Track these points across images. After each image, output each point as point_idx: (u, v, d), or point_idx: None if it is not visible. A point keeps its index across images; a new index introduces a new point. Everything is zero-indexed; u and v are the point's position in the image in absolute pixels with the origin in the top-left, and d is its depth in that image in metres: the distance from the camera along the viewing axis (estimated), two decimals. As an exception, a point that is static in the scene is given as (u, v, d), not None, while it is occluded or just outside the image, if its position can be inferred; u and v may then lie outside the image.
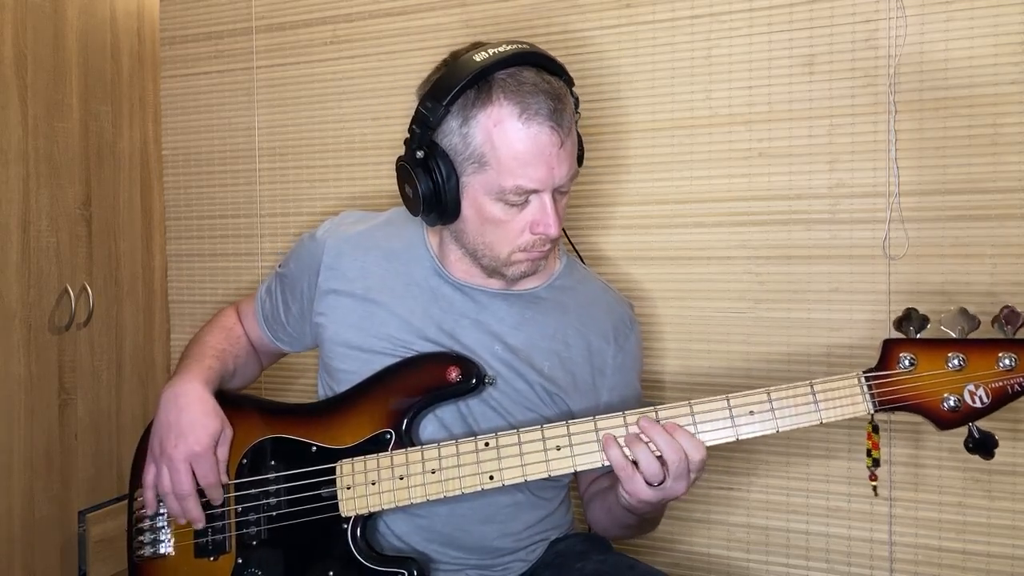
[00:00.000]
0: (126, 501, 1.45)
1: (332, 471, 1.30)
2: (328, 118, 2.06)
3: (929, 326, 1.14)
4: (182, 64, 2.22)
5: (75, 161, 1.98)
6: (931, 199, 1.58)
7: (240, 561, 1.35)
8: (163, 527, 1.39)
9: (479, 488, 1.23)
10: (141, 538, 1.40)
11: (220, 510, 1.36)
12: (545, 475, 1.22)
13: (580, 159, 1.33)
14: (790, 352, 1.68)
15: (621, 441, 1.18)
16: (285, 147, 2.11)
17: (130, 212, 2.15)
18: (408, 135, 1.28)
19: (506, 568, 1.40)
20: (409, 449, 1.27)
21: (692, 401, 1.19)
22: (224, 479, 1.35)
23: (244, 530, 1.35)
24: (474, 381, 1.29)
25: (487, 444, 1.24)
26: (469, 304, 1.37)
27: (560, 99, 1.22)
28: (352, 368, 1.37)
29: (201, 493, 1.34)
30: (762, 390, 1.18)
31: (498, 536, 1.37)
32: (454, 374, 1.29)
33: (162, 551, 1.39)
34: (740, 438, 1.18)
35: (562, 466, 1.22)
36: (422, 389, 1.30)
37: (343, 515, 1.29)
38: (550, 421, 1.24)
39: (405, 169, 1.29)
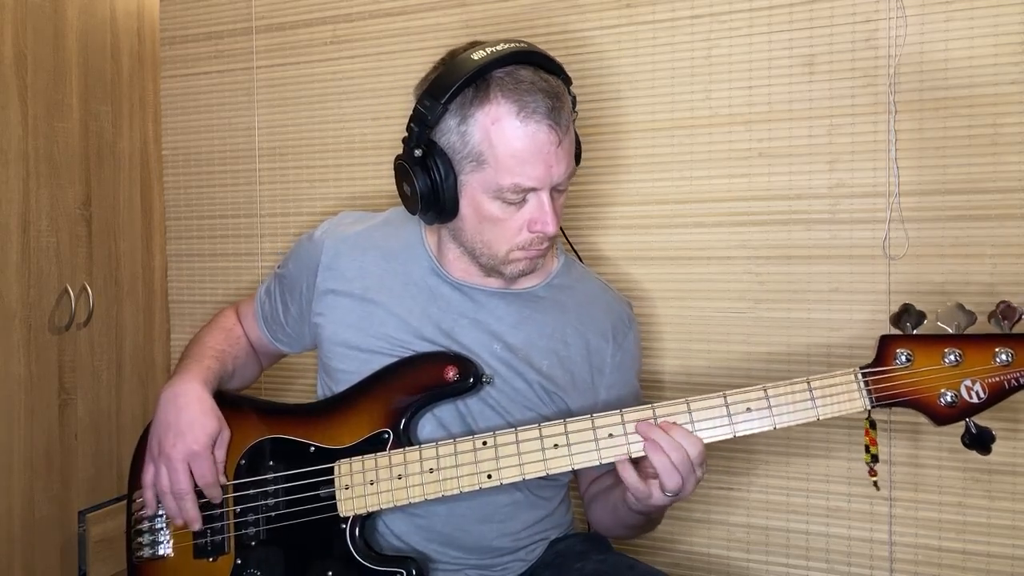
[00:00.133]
0: (126, 501, 1.45)
1: (330, 471, 1.30)
2: (328, 118, 2.06)
3: (926, 322, 1.14)
4: (182, 64, 2.22)
5: (75, 161, 1.99)
6: (931, 199, 1.57)
7: (239, 562, 1.35)
8: (162, 528, 1.39)
9: (477, 487, 1.23)
10: (140, 539, 1.40)
11: (219, 511, 1.36)
12: (543, 473, 1.22)
13: (578, 158, 1.34)
14: (790, 352, 1.68)
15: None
16: (285, 147, 2.11)
17: (130, 212, 2.15)
18: (406, 134, 1.28)
19: (505, 568, 1.40)
20: (407, 449, 1.27)
21: (689, 399, 1.19)
22: (222, 479, 1.35)
23: (243, 531, 1.35)
24: (472, 380, 1.29)
25: (485, 443, 1.24)
26: (467, 303, 1.37)
27: (558, 97, 1.22)
28: (351, 368, 1.37)
29: (200, 494, 1.34)
30: (759, 387, 1.18)
31: (497, 536, 1.37)
32: (452, 373, 1.29)
33: (161, 552, 1.39)
34: (737, 435, 1.18)
35: (560, 465, 1.22)
36: (420, 388, 1.30)
37: (341, 515, 1.29)
38: (549, 420, 1.24)
39: (403, 168, 1.29)
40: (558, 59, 1.29)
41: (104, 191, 2.07)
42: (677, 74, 1.74)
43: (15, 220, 1.84)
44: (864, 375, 1.15)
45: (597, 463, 1.21)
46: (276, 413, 1.40)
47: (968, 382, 1.12)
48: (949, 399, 1.12)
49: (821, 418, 1.16)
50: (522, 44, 1.24)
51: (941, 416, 1.14)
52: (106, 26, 2.08)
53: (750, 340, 1.71)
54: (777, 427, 1.17)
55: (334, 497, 1.29)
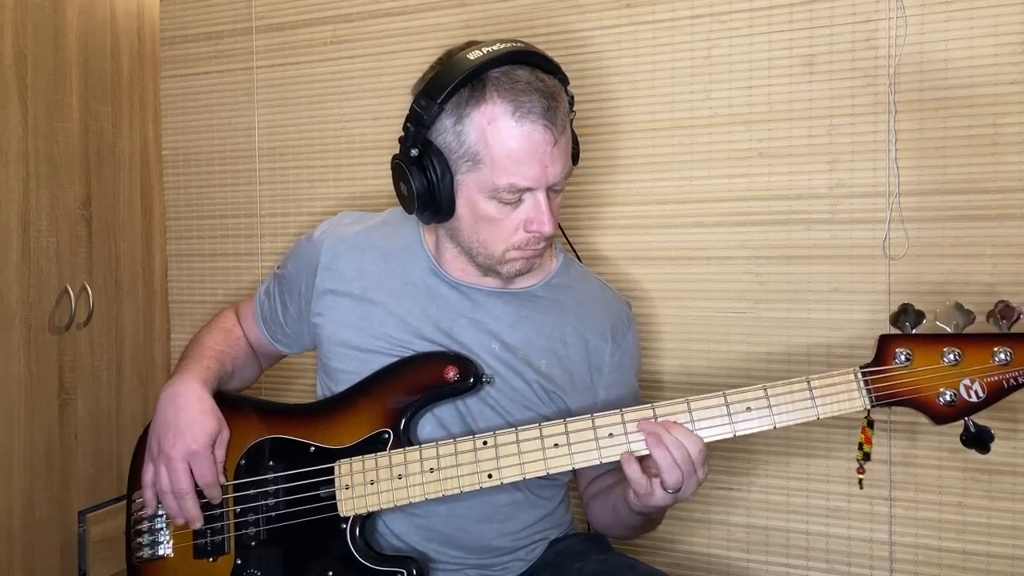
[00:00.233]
0: (125, 502, 1.45)
1: (330, 471, 1.30)
2: (328, 118, 2.06)
3: (925, 321, 1.14)
4: (182, 64, 2.22)
5: (75, 161, 1.99)
6: (931, 199, 1.57)
7: (239, 562, 1.35)
8: (162, 528, 1.39)
9: (478, 487, 1.23)
10: (140, 539, 1.40)
11: (219, 511, 1.36)
12: (543, 473, 1.22)
13: (576, 157, 1.34)
14: (790, 352, 1.68)
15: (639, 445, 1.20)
16: (285, 147, 2.11)
17: (130, 212, 2.15)
18: (403, 133, 1.28)
19: (505, 568, 1.40)
20: (407, 448, 1.27)
21: (689, 398, 1.19)
22: (222, 479, 1.35)
23: (243, 531, 1.35)
24: (472, 380, 1.29)
25: (485, 443, 1.24)
26: (466, 303, 1.37)
27: (554, 97, 1.22)
28: (350, 368, 1.37)
29: (200, 493, 1.34)
30: (759, 386, 1.18)
31: (497, 535, 1.37)
32: (452, 373, 1.29)
33: (161, 552, 1.39)
34: (737, 434, 1.18)
35: (560, 464, 1.22)
36: (420, 388, 1.30)
37: (342, 515, 1.29)
38: (548, 419, 1.24)
39: (400, 167, 1.29)
40: (558, 59, 1.29)
41: (104, 191, 2.07)
42: (677, 74, 1.74)
43: (15, 220, 1.84)
44: (863, 374, 1.16)
45: (597, 462, 1.21)
46: (276, 413, 1.40)
47: (967, 381, 1.12)
48: (948, 398, 1.13)
49: (821, 417, 1.16)
50: (519, 44, 1.24)
51: (940, 415, 1.14)
52: (106, 26, 2.08)
53: (750, 340, 1.71)
54: (777, 426, 1.17)
55: (334, 497, 1.29)
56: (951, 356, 1.12)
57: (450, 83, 1.21)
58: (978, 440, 1.13)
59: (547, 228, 1.25)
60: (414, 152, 1.26)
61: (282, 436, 1.36)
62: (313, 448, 1.33)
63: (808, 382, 1.17)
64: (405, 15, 1.96)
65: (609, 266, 1.80)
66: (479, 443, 1.24)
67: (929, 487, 1.61)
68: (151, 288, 2.22)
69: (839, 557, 1.68)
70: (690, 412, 1.19)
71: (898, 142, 1.59)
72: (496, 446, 1.23)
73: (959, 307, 1.13)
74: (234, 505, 1.36)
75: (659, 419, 1.19)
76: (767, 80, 1.67)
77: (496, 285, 1.37)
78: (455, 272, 1.37)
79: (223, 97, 2.17)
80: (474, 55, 1.22)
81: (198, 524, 1.34)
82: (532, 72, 1.23)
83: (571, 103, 1.30)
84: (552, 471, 1.22)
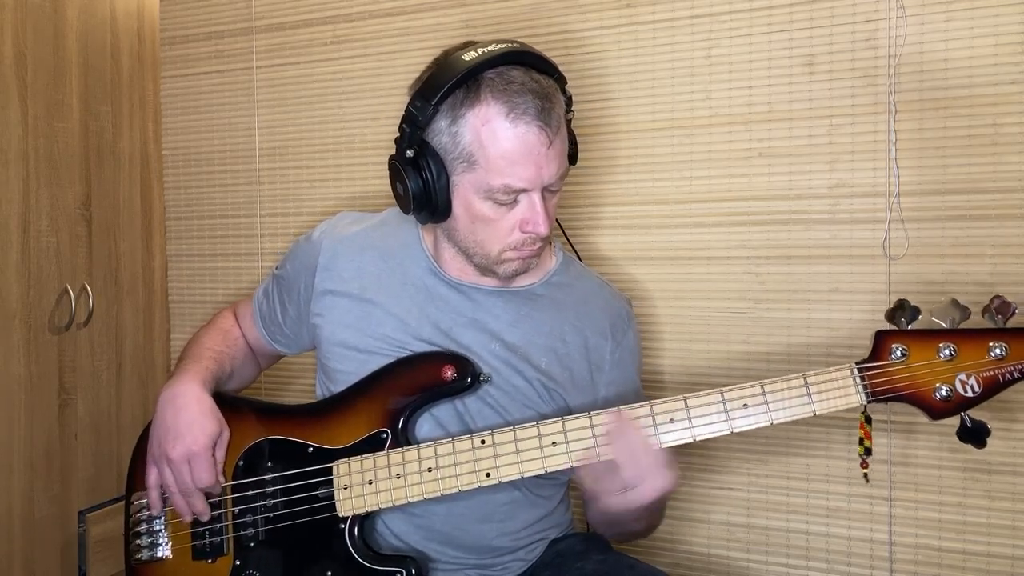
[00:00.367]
0: (124, 502, 1.45)
1: (329, 471, 1.30)
2: (328, 118, 2.06)
3: (921, 317, 1.15)
4: (182, 64, 2.22)
5: (75, 161, 1.99)
6: (931, 199, 1.57)
7: (238, 563, 1.35)
8: (160, 530, 1.39)
9: (476, 486, 1.23)
10: (138, 541, 1.40)
11: (217, 512, 1.36)
12: (542, 471, 1.22)
13: (574, 157, 1.34)
14: (790, 352, 1.68)
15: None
16: (285, 147, 2.11)
17: (130, 212, 2.15)
18: (398, 134, 1.28)
19: (505, 567, 1.40)
20: (405, 448, 1.27)
21: (687, 396, 1.19)
22: (221, 480, 1.35)
23: (242, 532, 1.35)
24: (469, 379, 1.29)
25: (483, 442, 1.24)
26: (465, 302, 1.37)
27: (548, 98, 1.22)
28: (349, 368, 1.37)
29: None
30: (756, 383, 1.18)
31: (496, 535, 1.37)
32: (449, 373, 1.29)
33: (159, 554, 1.39)
34: (735, 431, 1.18)
35: (558, 462, 1.22)
36: (418, 388, 1.30)
37: (340, 515, 1.29)
38: (547, 417, 1.24)
39: (396, 168, 1.29)
40: (558, 59, 1.29)
41: (104, 191, 2.07)
42: (677, 74, 1.74)
43: (15, 220, 1.84)
44: (860, 370, 1.16)
45: (596, 460, 1.21)
46: (274, 414, 1.40)
47: (963, 376, 1.13)
48: (944, 393, 1.13)
49: (817, 413, 1.16)
50: (514, 45, 1.24)
51: (936, 410, 1.14)
52: (106, 26, 2.08)
53: (750, 340, 1.71)
54: (774, 423, 1.17)
55: (333, 497, 1.29)
56: (947, 351, 1.13)
57: (444, 84, 1.22)
58: (974, 435, 1.14)
59: (542, 229, 1.25)
60: (409, 153, 1.26)
61: (280, 437, 1.36)
62: (311, 448, 1.33)
63: (804, 378, 1.17)
64: (405, 15, 1.96)
65: (609, 266, 1.80)
66: (477, 442, 1.24)
67: (929, 487, 1.61)
68: (151, 288, 2.22)
69: (839, 557, 1.68)
70: (687, 409, 1.19)
71: (898, 142, 1.58)
72: (494, 445, 1.23)
73: (955, 303, 1.13)
74: (233, 506, 1.36)
75: (656, 416, 1.19)
76: (767, 80, 1.67)
77: (495, 284, 1.37)
78: (454, 272, 1.37)
79: (223, 97, 2.17)
80: (469, 56, 1.22)
81: (207, 517, 1.35)
82: (527, 73, 1.23)
83: (569, 103, 1.30)
84: (550, 469, 1.22)
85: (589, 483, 1.23)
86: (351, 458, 1.30)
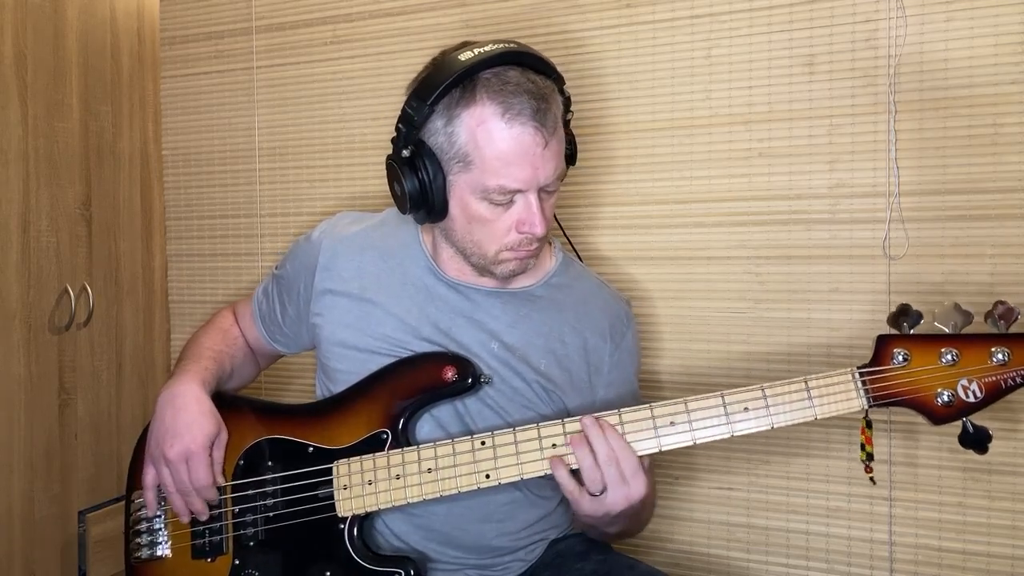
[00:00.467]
0: (124, 502, 1.45)
1: (329, 471, 1.30)
2: (328, 118, 2.06)
3: (923, 322, 1.14)
4: (182, 64, 2.22)
5: (75, 161, 1.99)
6: (931, 199, 1.57)
7: (237, 562, 1.35)
8: (160, 529, 1.39)
9: (475, 487, 1.23)
10: (138, 540, 1.40)
11: (217, 511, 1.36)
12: (541, 473, 1.22)
13: (573, 158, 1.34)
14: (790, 352, 1.68)
15: (570, 458, 1.20)
16: (285, 147, 2.11)
17: (130, 212, 2.15)
18: (395, 133, 1.28)
19: (505, 568, 1.40)
20: (405, 449, 1.27)
21: (687, 399, 1.19)
22: (220, 481, 1.35)
23: (241, 531, 1.35)
24: (470, 380, 1.29)
25: (483, 443, 1.24)
26: (464, 303, 1.37)
27: (544, 99, 1.22)
28: (349, 368, 1.37)
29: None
30: (757, 386, 1.18)
31: (496, 535, 1.37)
32: (450, 373, 1.29)
33: (159, 553, 1.39)
34: (735, 435, 1.18)
35: (558, 464, 1.22)
36: (418, 389, 1.30)
37: (340, 515, 1.29)
38: (547, 419, 1.24)
39: (392, 167, 1.29)
40: (557, 59, 1.29)
41: (104, 191, 2.07)
42: (677, 74, 1.74)
43: (15, 220, 1.84)
44: (861, 375, 1.16)
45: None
46: (274, 413, 1.40)
47: (965, 381, 1.12)
48: (946, 399, 1.13)
49: (819, 418, 1.16)
50: (511, 45, 1.24)
51: (938, 416, 1.14)
52: (106, 26, 2.08)
53: (750, 340, 1.71)
54: (775, 427, 1.17)
55: (332, 497, 1.29)
56: (949, 356, 1.12)
57: (440, 84, 1.21)
58: (976, 441, 1.13)
59: (538, 229, 1.24)
60: (405, 153, 1.26)
61: (280, 436, 1.36)
62: (311, 448, 1.33)
63: (806, 382, 1.17)
64: (405, 15, 1.96)
65: (609, 266, 1.80)
66: (477, 443, 1.24)
67: (929, 487, 1.61)
68: (151, 288, 2.22)
69: (839, 557, 1.68)
70: (688, 412, 1.18)
71: (898, 142, 1.58)
72: (494, 446, 1.23)
73: (958, 307, 1.13)
74: (232, 505, 1.36)
75: (657, 419, 1.19)
76: (767, 80, 1.67)
77: (494, 285, 1.37)
78: (452, 272, 1.37)
79: (223, 97, 2.17)
80: (465, 56, 1.22)
81: (205, 516, 1.35)
82: (523, 74, 1.22)
83: (568, 104, 1.30)
84: (550, 471, 1.21)
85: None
86: (351, 458, 1.29)
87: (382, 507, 1.27)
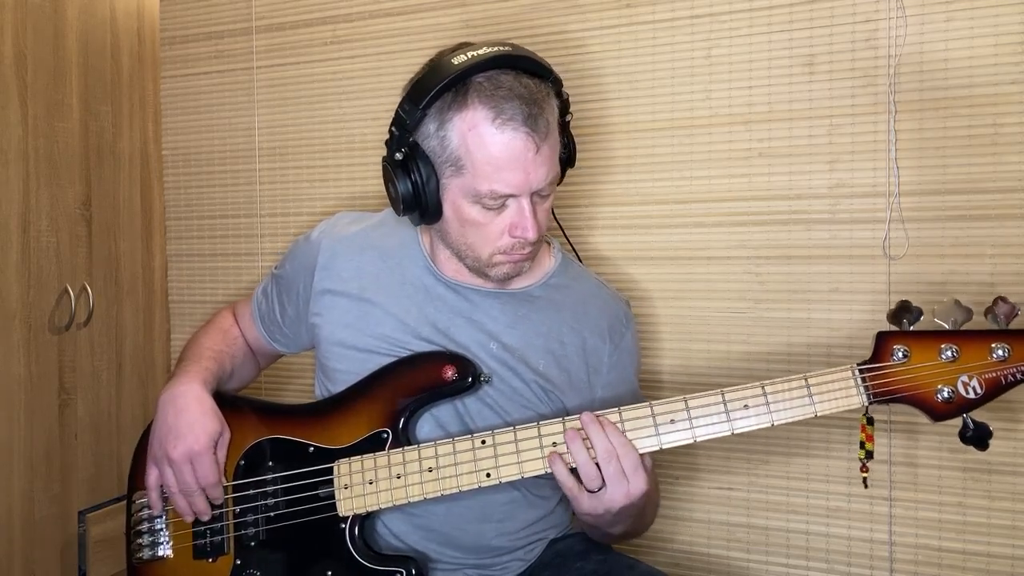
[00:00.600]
0: (125, 502, 1.45)
1: (329, 471, 1.30)
2: (328, 118, 2.06)
3: (923, 318, 1.14)
4: (182, 64, 2.22)
5: (75, 161, 1.99)
6: (931, 199, 1.57)
7: (238, 562, 1.35)
8: (161, 529, 1.39)
9: (476, 486, 1.23)
10: (140, 540, 1.40)
11: (218, 511, 1.36)
12: (541, 472, 1.22)
13: (571, 160, 1.34)
14: (790, 352, 1.68)
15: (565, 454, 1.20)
16: (285, 147, 2.11)
17: (130, 212, 2.15)
18: (388, 135, 1.28)
19: (505, 568, 1.40)
20: (406, 448, 1.27)
21: (687, 396, 1.19)
22: (223, 480, 1.35)
23: (242, 531, 1.35)
24: (470, 380, 1.29)
25: (483, 442, 1.24)
26: (463, 303, 1.37)
27: (537, 104, 1.21)
28: (348, 368, 1.37)
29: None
30: (756, 384, 1.18)
31: (496, 535, 1.37)
32: (450, 373, 1.29)
33: (161, 553, 1.39)
34: (735, 432, 1.18)
35: (558, 463, 1.22)
36: (418, 388, 1.30)
37: (341, 515, 1.29)
38: (546, 418, 1.24)
39: (387, 169, 1.30)
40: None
41: (104, 191, 2.07)
42: (677, 74, 1.74)
43: (15, 220, 1.84)
44: (861, 371, 1.16)
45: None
46: (275, 413, 1.40)
47: (965, 378, 1.12)
48: (946, 395, 1.13)
49: (819, 415, 1.16)
50: (505, 48, 1.23)
51: (938, 412, 1.14)
52: (106, 26, 2.08)
53: (750, 340, 1.71)
54: (775, 424, 1.17)
55: (333, 497, 1.29)
56: (949, 352, 1.12)
57: (432, 88, 1.21)
58: (977, 437, 1.13)
59: (530, 234, 1.24)
60: (398, 155, 1.26)
61: (281, 436, 1.36)
62: (312, 448, 1.33)
63: (806, 380, 1.17)
64: (405, 15, 1.96)
65: (609, 266, 1.80)
66: (477, 442, 1.24)
67: (929, 487, 1.61)
68: (151, 288, 2.22)
69: (839, 557, 1.68)
70: (688, 410, 1.18)
71: (898, 142, 1.59)
72: (494, 445, 1.23)
73: (958, 304, 1.13)
74: (233, 505, 1.36)
75: (657, 417, 1.19)
76: (767, 80, 1.67)
77: (493, 285, 1.37)
78: (450, 272, 1.37)
79: (223, 97, 2.17)
80: (458, 59, 1.21)
81: (207, 516, 1.35)
82: (516, 78, 1.21)
83: (566, 105, 1.29)
84: (550, 470, 1.21)
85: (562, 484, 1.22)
86: (352, 458, 1.29)
87: (383, 506, 1.27)
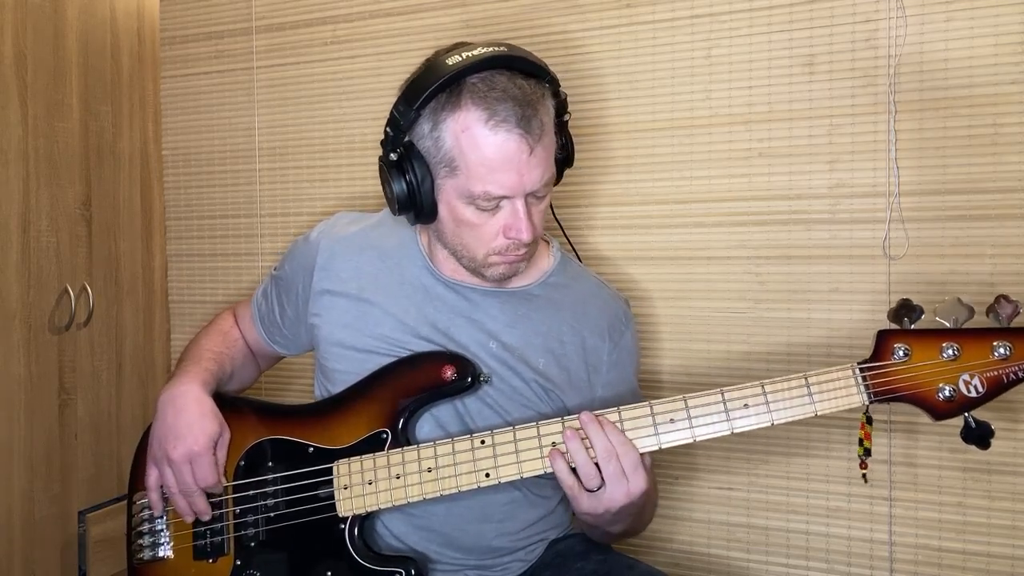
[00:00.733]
0: (126, 502, 1.45)
1: (329, 471, 1.30)
2: (328, 118, 2.06)
3: (924, 317, 1.14)
4: (182, 64, 2.22)
5: (75, 161, 1.99)
6: (931, 199, 1.57)
7: (239, 563, 1.35)
8: (162, 530, 1.39)
9: (476, 486, 1.23)
10: (140, 541, 1.40)
11: (218, 512, 1.36)
12: (541, 472, 1.22)
13: (569, 160, 1.33)
14: (790, 352, 1.68)
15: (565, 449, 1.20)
16: (285, 147, 2.11)
17: (130, 212, 2.15)
18: (383, 136, 1.28)
19: (505, 568, 1.40)
20: (405, 448, 1.27)
21: (687, 396, 1.19)
22: (223, 480, 1.35)
23: (242, 532, 1.35)
24: (470, 379, 1.29)
25: (483, 442, 1.24)
26: (462, 302, 1.37)
27: (531, 105, 1.20)
28: (347, 368, 1.37)
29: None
30: (756, 383, 1.17)
31: (496, 535, 1.37)
32: (450, 373, 1.29)
33: (161, 554, 1.39)
34: (735, 431, 1.18)
35: (558, 462, 1.22)
36: (418, 388, 1.30)
37: (340, 515, 1.29)
38: (546, 418, 1.24)
39: (382, 169, 1.30)
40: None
41: (104, 191, 2.07)
42: (677, 74, 1.74)
43: (15, 220, 1.84)
44: (862, 370, 1.15)
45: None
46: (275, 414, 1.40)
47: (966, 376, 1.12)
48: (947, 393, 1.12)
49: (819, 414, 1.16)
50: (500, 48, 1.23)
51: (939, 411, 1.13)
52: (106, 26, 2.08)
53: (750, 340, 1.71)
54: (775, 423, 1.16)
55: (333, 497, 1.29)
56: (950, 351, 1.12)
57: (426, 88, 1.21)
58: (978, 436, 1.13)
59: (525, 235, 1.24)
60: (393, 156, 1.26)
61: (281, 437, 1.36)
62: (312, 448, 1.33)
63: (806, 378, 1.16)
64: (405, 15, 1.96)
65: (608, 266, 1.80)
66: (477, 442, 1.24)
67: (929, 487, 1.61)
68: (151, 288, 2.22)
69: (839, 557, 1.68)
70: (687, 409, 1.18)
71: (898, 142, 1.58)
72: (494, 445, 1.23)
73: (959, 302, 1.12)
74: (233, 506, 1.36)
75: (656, 416, 1.19)
76: (767, 80, 1.67)
77: (491, 285, 1.37)
78: (449, 272, 1.37)
79: (223, 97, 2.17)
80: (453, 60, 1.21)
81: (208, 516, 1.35)
82: (511, 79, 1.21)
83: (564, 105, 1.29)
84: (550, 469, 1.21)
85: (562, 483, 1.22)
86: (351, 458, 1.29)
87: (382, 507, 1.27)
